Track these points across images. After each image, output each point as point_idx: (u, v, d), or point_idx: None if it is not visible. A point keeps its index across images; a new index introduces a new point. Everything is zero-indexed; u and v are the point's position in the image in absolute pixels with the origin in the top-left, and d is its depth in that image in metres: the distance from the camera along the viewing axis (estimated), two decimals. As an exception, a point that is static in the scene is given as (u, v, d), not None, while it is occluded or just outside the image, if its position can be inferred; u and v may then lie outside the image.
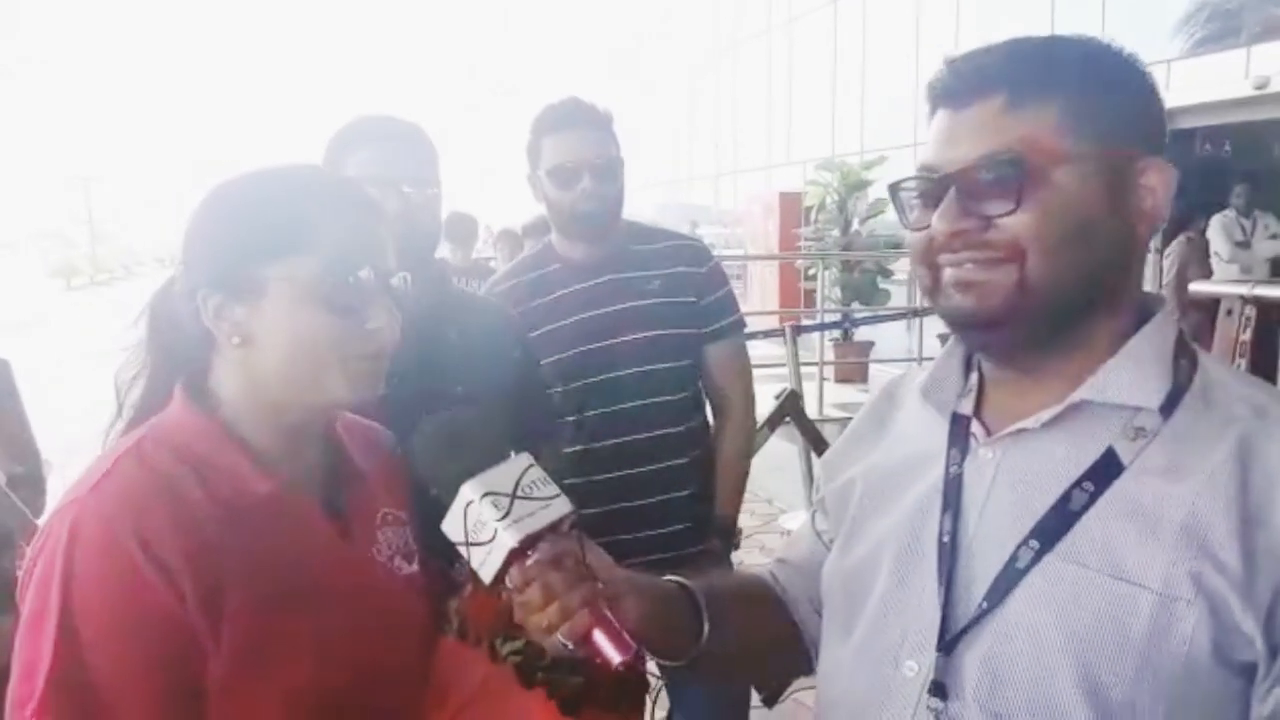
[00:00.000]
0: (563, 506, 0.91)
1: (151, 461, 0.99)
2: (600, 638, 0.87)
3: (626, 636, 0.88)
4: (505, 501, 0.88)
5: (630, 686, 1.28)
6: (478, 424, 0.97)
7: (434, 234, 1.71)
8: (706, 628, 1.03)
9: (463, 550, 0.90)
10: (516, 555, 0.88)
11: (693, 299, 2.21)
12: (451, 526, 0.90)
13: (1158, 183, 0.87)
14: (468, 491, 0.88)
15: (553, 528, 0.89)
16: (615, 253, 2.18)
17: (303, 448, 1.08)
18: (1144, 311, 0.92)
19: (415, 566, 1.16)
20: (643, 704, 1.30)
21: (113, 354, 1.12)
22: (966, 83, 0.88)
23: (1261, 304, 3.24)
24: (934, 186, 0.89)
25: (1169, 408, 0.86)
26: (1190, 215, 7.36)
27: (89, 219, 36.66)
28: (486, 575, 0.89)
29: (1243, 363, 3.22)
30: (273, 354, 1.01)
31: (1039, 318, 0.87)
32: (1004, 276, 0.86)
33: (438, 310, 1.70)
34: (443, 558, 1.16)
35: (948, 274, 0.90)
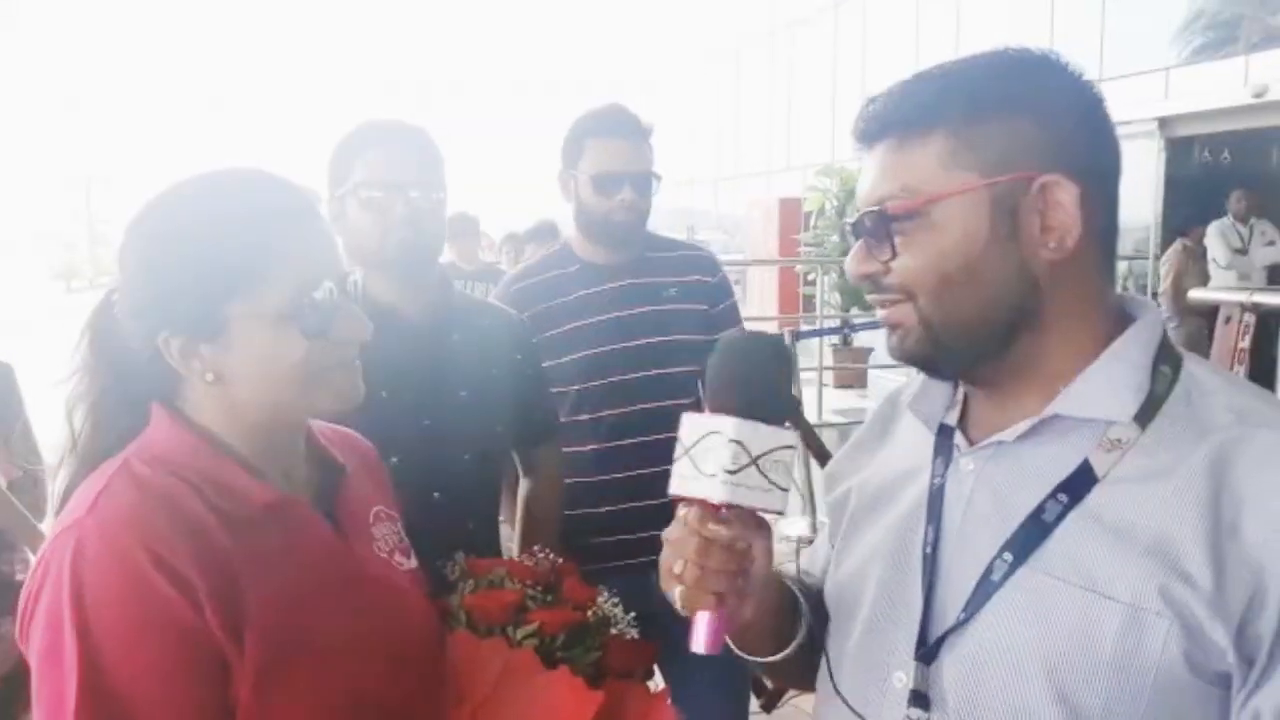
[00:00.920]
0: (777, 502, 0.86)
1: (145, 478, 0.96)
2: (702, 622, 0.86)
3: (724, 638, 0.87)
4: (744, 460, 0.84)
5: (643, 652, 1.29)
6: (787, 365, 0.93)
7: (439, 238, 1.72)
8: (800, 636, 1.02)
9: (678, 450, 0.88)
10: (709, 506, 0.85)
11: (705, 307, 2.24)
12: (690, 430, 0.87)
13: (1064, 197, 0.84)
14: (725, 426, 0.84)
15: (753, 512, 0.87)
16: (635, 258, 2.21)
17: (289, 457, 1.08)
18: (1124, 317, 0.91)
19: (414, 562, 1.16)
20: (653, 669, 1.30)
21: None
22: (868, 125, 0.90)
23: (1260, 311, 3.26)
24: (853, 228, 0.92)
25: (1145, 417, 0.85)
26: (1186, 222, 7.38)
27: (89, 220, 36.58)
28: (673, 487, 0.87)
29: (1241, 369, 3.23)
30: (248, 385, 1.00)
31: (955, 351, 0.89)
32: (908, 315, 0.89)
33: (441, 314, 1.71)
34: (432, 556, 1.16)
35: (878, 313, 0.93)
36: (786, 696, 3.09)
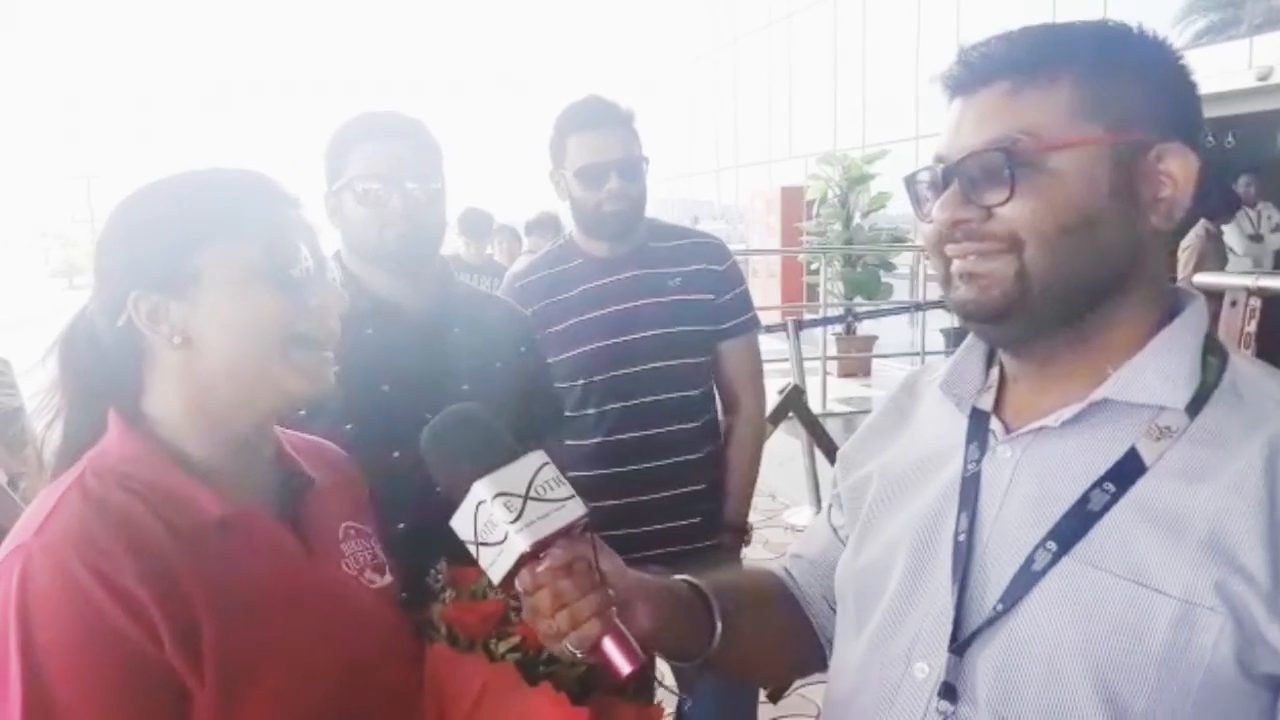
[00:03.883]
0: (576, 509, 0.87)
1: (97, 494, 0.91)
2: (610, 646, 0.86)
3: (635, 646, 0.86)
4: (518, 503, 0.85)
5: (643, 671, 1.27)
6: (487, 412, 0.94)
7: (438, 231, 1.70)
8: (719, 628, 1.01)
9: (471, 549, 0.88)
10: (527, 558, 0.85)
11: (711, 296, 2.22)
12: (461, 524, 0.88)
13: (1177, 170, 0.83)
14: (479, 491, 0.86)
15: (565, 531, 0.87)
16: (637, 249, 2.19)
17: (253, 465, 1.04)
18: (1173, 305, 0.89)
19: (388, 578, 1.13)
20: (651, 686, 1.28)
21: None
22: (974, 70, 0.86)
23: (1266, 295, 3.23)
24: (940, 176, 0.88)
25: (1196, 406, 0.82)
26: (1192, 207, 7.31)
27: (90, 218, 36.69)
28: (495, 576, 0.87)
29: (1248, 354, 3.21)
30: (216, 347, 0.97)
31: (1042, 310, 0.85)
32: (1004, 267, 0.84)
33: (442, 307, 1.69)
34: (415, 563, 1.14)
35: (955, 265, 0.88)
36: (793, 686, 3.08)
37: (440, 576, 1.25)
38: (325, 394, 1.03)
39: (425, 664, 1.07)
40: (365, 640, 1.04)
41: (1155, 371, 0.84)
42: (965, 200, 0.85)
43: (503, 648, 1.08)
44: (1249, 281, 3.28)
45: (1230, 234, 7.52)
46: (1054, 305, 0.85)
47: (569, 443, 2.11)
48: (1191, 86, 0.86)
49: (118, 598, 0.85)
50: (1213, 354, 0.86)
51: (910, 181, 0.93)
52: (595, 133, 2.10)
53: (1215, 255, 7.17)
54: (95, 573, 0.85)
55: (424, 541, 1.19)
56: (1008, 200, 0.83)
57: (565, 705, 0.98)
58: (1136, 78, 0.84)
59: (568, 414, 2.12)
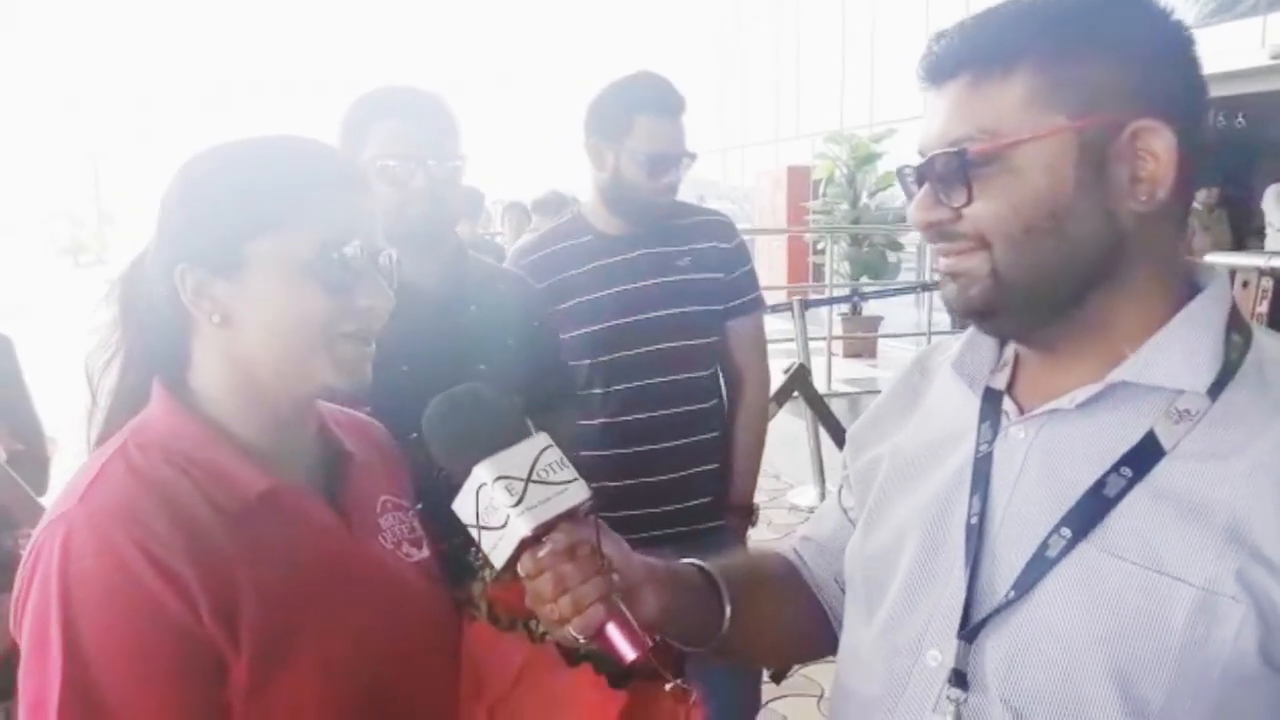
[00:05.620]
0: (579, 493, 0.86)
1: (140, 466, 0.92)
2: (614, 632, 0.84)
3: (640, 632, 0.85)
4: (519, 486, 0.84)
5: (670, 650, 1.26)
6: (490, 392, 0.93)
7: (456, 208, 1.68)
8: (728, 612, 1.00)
9: (474, 532, 0.87)
10: (529, 543, 0.84)
11: (720, 274, 2.20)
12: (463, 507, 0.86)
13: (1158, 147, 0.78)
14: (481, 473, 0.84)
15: (568, 515, 0.85)
16: (648, 227, 2.16)
17: (295, 441, 1.04)
18: (1192, 284, 0.85)
19: (425, 552, 1.13)
20: (683, 668, 1.27)
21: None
22: (937, 63, 0.83)
23: (1278, 275, 3.21)
24: (916, 174, 0.86)
25: (1217, 388, 0.79)
26: (1204, 186, 7.27)
27: (96, 196, 36.76)
28: (498, 560, 0.86)
29: (1274, 333, 3.20)
30: (256, 333, 0.96)
31: (1022, 306, 0.83)
32: (979, 265, 0.83)
33: (458, 286, 1.68)
34: (455, 538, 1.13)
35: (940, 263, 0.87)
36: (795, 667, 3.09)
37: (481, 554, 1.25)
38: (363, 387, 1.02)
39: (464, 641, 1.06)
40: (403, 613, 1.05)
41: (1175, 353, 0.81)
42: (936, 201, 0.83)
43: (544, 628, 1.07)
44: (1260, 262, 3.25)
45: (1273, 211, 7.48)
46: (1033, 301, 0.83)
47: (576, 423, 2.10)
48: (1175, 53, 0.81)
49: (159, 571, 0.86)
50: (1237, 332, 0.82)
51: (901, 176, 0.90)
52: (669, 120, 2.07)
53: (1206, 230, 7.09)
54: (137, 546, 0.86)
55: (443, 522, 1.18)
56: (968, 203, 0.81)
57: (604, 688, 0.97)
58: (1104, 53, 0.79)
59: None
